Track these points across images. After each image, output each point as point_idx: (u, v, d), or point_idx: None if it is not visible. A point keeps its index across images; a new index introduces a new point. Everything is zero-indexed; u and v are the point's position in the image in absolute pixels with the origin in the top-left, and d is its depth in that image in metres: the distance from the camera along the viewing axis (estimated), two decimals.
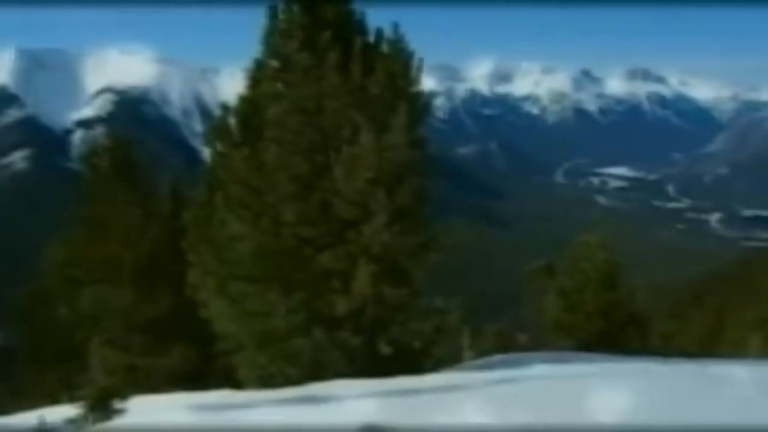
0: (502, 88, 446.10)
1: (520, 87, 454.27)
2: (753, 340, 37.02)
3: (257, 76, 12.82)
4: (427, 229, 12.53)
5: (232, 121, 12.70)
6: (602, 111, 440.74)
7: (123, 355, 16.59)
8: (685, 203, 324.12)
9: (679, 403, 8.17)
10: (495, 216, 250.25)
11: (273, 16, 12.61)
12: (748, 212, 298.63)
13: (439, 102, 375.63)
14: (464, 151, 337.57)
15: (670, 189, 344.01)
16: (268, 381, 12.06)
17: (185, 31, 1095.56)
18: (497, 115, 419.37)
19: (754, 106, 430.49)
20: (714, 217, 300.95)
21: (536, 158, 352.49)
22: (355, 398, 8.85)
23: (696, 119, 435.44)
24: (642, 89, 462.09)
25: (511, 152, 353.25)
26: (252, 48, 12.85)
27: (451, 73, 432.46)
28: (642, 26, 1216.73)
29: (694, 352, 30.77)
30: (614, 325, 24.18)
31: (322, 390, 10.18)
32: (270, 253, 12.12)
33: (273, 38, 12.65)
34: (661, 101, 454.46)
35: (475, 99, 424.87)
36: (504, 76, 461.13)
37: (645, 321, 27.30)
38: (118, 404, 9.54)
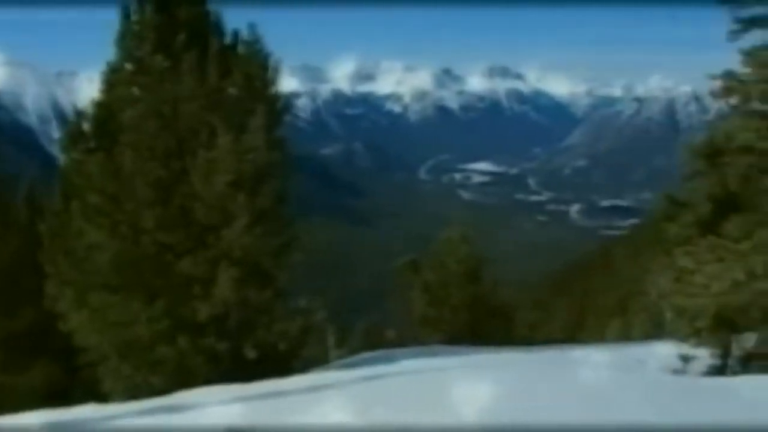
0: (364, 88, 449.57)
1: (382, 86, 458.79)
2: (612, 324, 38.75)
3: (112, 79, 12.46)
4: (288, 229, 12.51)
5: (86, 126, 12.32)
6: (463, 108, 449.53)
7: None
8: (545, 196, 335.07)
9: (539, 389, 8.47)
10: (358, 214, 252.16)
11: (126, 17, 12.29)
12: (605, 202, 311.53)
13: (302, 103, 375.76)
14: (328, 151, 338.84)
15: (531, 182, 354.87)
16: (134, 392, 11.78)
17: (39, 32, 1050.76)
18: (360, 115, 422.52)
19: (608, 102, 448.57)
20: (574, 208, 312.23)
21: (400, 156, 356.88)
22: (219, 404, 8.77)
23: (553, 114, 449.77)
24: (501, 86, 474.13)
25: (375, 151, 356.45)
26: (110, 50, 12.51)
27: (314, 74, 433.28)
28: (500, 23, 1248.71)
29: (558, 340, 31.94)
30: (480, 318, 24.80)
31: (188, 398, 10.03)
32: (130, 261, 11.84)
33: (126, 40, 12.34)
34: (520, 97, 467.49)
35: (338, 99, 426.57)
36: (366, 76, 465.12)
37: (510, 312, 28.12)
38: None
